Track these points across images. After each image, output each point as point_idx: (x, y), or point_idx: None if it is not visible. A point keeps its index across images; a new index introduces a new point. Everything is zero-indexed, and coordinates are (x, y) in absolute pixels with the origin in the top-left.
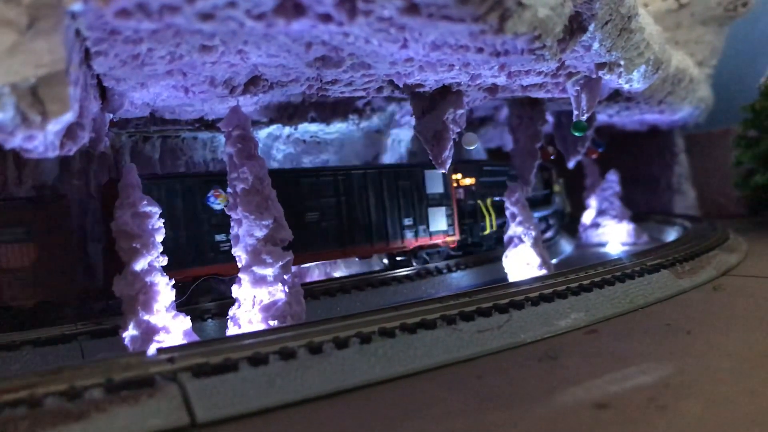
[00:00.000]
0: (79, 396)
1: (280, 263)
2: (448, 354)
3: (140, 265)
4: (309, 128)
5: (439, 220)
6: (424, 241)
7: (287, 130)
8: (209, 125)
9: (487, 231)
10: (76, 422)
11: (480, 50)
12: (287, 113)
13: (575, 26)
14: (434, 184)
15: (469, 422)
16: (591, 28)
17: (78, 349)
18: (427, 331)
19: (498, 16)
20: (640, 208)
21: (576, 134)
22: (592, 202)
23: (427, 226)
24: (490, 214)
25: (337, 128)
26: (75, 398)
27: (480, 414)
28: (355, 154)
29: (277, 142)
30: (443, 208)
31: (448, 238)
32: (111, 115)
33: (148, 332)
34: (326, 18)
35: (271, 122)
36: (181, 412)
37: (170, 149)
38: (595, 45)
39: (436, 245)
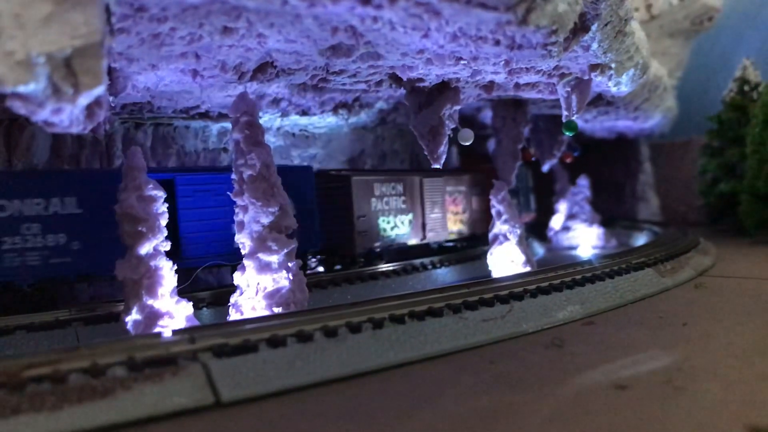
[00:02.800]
0: (103, 373)
1: (285, 250)
2: (456, 341)
3: (145, 249)
4: (299, 121)
5: (532, 202)
6: (529, 216)
7: (278, 122)
8: (203, 114)
9: None
10: (102, 399)
11: (497, 42)
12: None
13: (578, 26)
14: (530, 178)
15: (494, 402)
16: (593, 28)
17: (73, 335)
18: (435, 318)
19: (525, 7)
20: (605, 214)
21: (567, 133)
22: (561, 207)
23: (529, 206)
24: None
25: (326, 122)
26: (99, 375)
27: (502, 394)
28: (341, 150)
29: (268, 135)
30: (532, 194)
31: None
32: (112, 98)
33: (152, 317)
34: (366, 0)
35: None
36: (205, 391)
37: (162, 137)
38: (594, 45)
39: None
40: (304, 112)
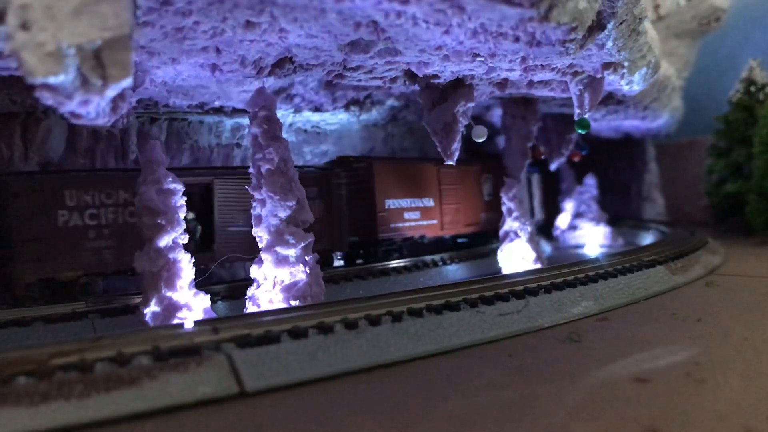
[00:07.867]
0: (129, 363)
1: (302, 244)
2: (473, 335)
3: (164, 241)
4: (311, 118)
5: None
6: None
7: (290, 118)
8: (218, 110)
9: None
10: (129, 388)
11: (516, 39)
12: (294, 102)
13: (595, 23)
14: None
15: (517, 394)
16: (609, 26)
17: (90, 327)
18: (452, 312)
19: (548, 3)
20: (611, 214)
21: (579, 131)
22: (568, 206)
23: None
24: None
25: (338, 119)
26: (125, 364)
27: (525, 387)
28: (352, 146)
29: None
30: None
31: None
32: (131, 92)
33: (170, 309)
34: None
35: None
36: (230, 380)
37: (176, 132)
38: (609, 43)
39: None
40: (317, 109)
